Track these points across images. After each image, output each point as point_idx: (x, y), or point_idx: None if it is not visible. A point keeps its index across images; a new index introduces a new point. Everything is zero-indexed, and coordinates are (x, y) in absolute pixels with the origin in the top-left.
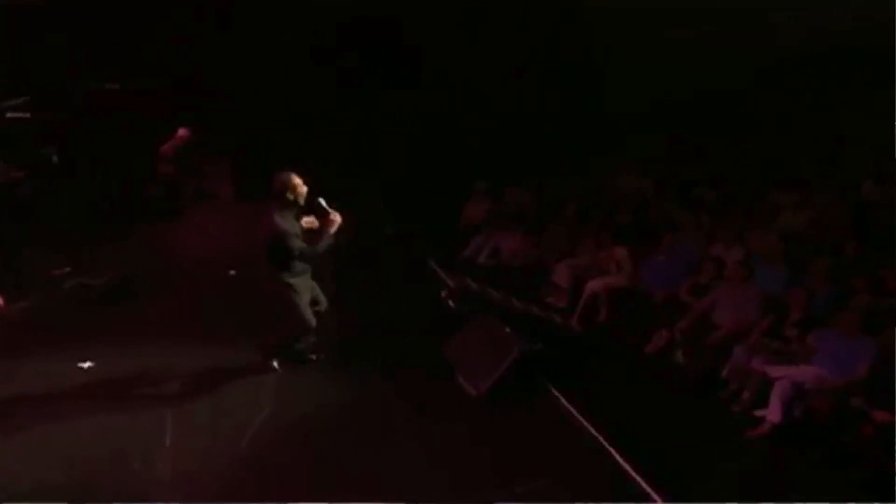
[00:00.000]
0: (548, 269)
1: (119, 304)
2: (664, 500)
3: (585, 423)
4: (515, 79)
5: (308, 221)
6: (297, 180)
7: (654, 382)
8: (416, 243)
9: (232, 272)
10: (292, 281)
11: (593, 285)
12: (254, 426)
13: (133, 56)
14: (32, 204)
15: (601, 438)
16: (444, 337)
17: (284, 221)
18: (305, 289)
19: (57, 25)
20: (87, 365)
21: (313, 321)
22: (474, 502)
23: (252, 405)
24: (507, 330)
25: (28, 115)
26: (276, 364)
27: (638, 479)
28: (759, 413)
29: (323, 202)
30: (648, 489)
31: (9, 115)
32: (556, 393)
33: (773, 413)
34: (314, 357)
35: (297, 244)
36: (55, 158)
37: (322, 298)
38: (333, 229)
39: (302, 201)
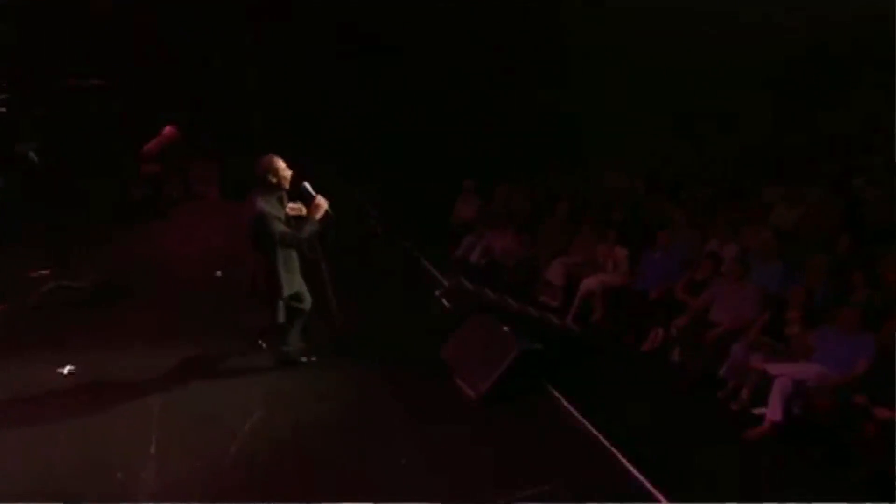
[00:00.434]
0: (541, 267)
1: (102, 307)
2: (665, 501)
3: (587, 424)
4: (504, 76)
5: (294, 207)
6: (280, 163)
7: (651, 381)
8: (404, 242)
9: (218, 273)
10: (280, 269)
11: (588, 283)
12: (243, 431)
13: (117, 53)
14: (8, 203)
15: (602, 439)
16: (439, 337)
17: (266, 204)
18: (292, 282)
19: (38, 19)
20: (67, 370)
21: (283, 317)
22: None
23: (242, 409)
24: (506, 329)
25: (4, 109)
26: (262, 343)
27: (642, 479)
28: (758, 412)
29: (308, 186)
30: (652, 489)
31: None
32: (556, 393)
33: (772, 411)
34: (305, 359)
35: (279, 228)
36: (33, 155)
37: (308, 297)
38: (319, 214)
39: (286, 185)
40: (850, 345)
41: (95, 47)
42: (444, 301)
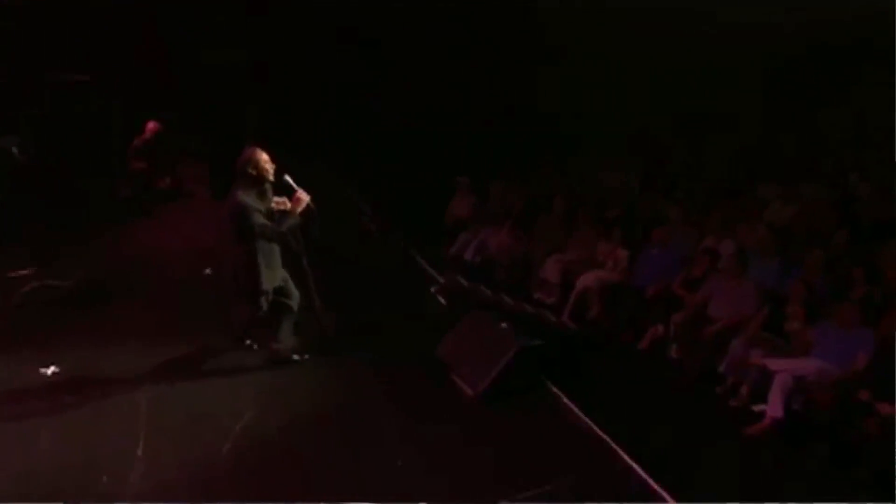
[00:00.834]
0: (536, 264)
1: (88, 306)
2: (666, 497)
3: (588, 422)
4: (500, 73)
5: (280, 202)
6: (261, 156)
7: (650, 378)
8: (399, 239)
9: (207, 271)
10: (259, 263)
11: (585, 280)
12: (235, 432)
13: (104, 49)
14: None
15: (603, 436)
16: (435, 335)
17: (246, 196)
18: (273, 276)
19: (23, 14)
20: (51, 370)
21: (264, 307)
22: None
23: (233, 410)
24: (504, 325)
25: None
26: (253, 344)
27: (643, 475)
28: (757, 408)
29: (289, 179)
30: (657, 487)
31: None
32: (556, 390)
33: (773, 408)
34: (298, 358)
35: (258, 220)
36: (15, 150)
37: (295, 293)
38: (300, 208)
39: (269, 177)
40: (850, 340)
41: (83, 43)
42: (441, 298)
